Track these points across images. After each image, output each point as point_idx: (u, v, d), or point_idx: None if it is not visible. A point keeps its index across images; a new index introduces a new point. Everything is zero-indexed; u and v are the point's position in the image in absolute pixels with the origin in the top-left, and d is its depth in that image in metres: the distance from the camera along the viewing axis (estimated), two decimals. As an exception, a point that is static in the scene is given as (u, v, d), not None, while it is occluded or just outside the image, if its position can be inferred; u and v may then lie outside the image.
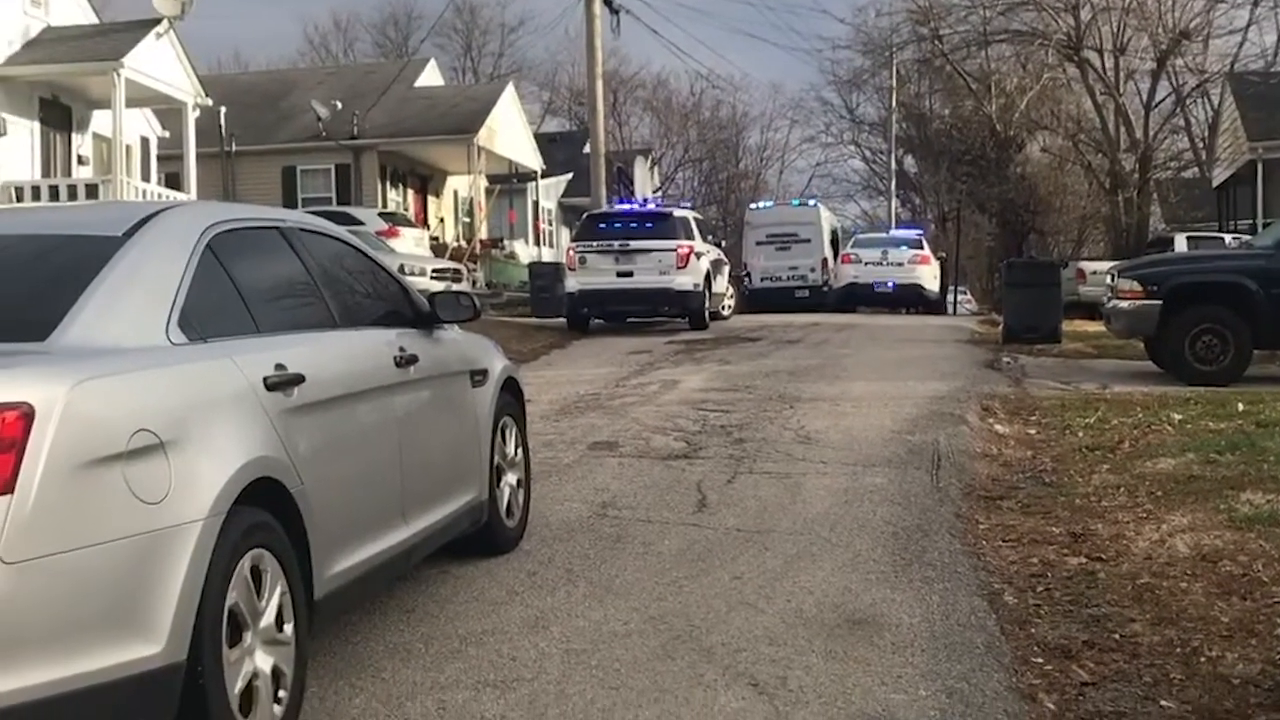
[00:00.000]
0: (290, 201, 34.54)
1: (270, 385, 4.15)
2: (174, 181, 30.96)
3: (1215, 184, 36.16)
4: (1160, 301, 13.83)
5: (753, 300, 31.43)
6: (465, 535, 6.19)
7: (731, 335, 20.58)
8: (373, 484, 4.86)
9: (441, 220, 37.88)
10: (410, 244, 29.98)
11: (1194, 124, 43.31)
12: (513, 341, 19.69)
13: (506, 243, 38.93)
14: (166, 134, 26.13)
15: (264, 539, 3.95)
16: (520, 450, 6.81)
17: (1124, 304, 14.21)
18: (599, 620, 5.50)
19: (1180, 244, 26.89)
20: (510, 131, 37.66)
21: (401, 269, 24.63)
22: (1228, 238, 26.63)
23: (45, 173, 20.97)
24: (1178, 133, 40.24)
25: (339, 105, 35.24)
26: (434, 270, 25.39)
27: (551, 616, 5.56)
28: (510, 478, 6.64)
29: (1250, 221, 29.98)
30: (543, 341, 19.93)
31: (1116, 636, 5.49)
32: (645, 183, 28.34)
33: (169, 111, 25.34)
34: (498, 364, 6.48)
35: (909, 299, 30.24)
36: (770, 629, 5.39)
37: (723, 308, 24.30)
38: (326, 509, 4.35)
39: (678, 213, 22.53)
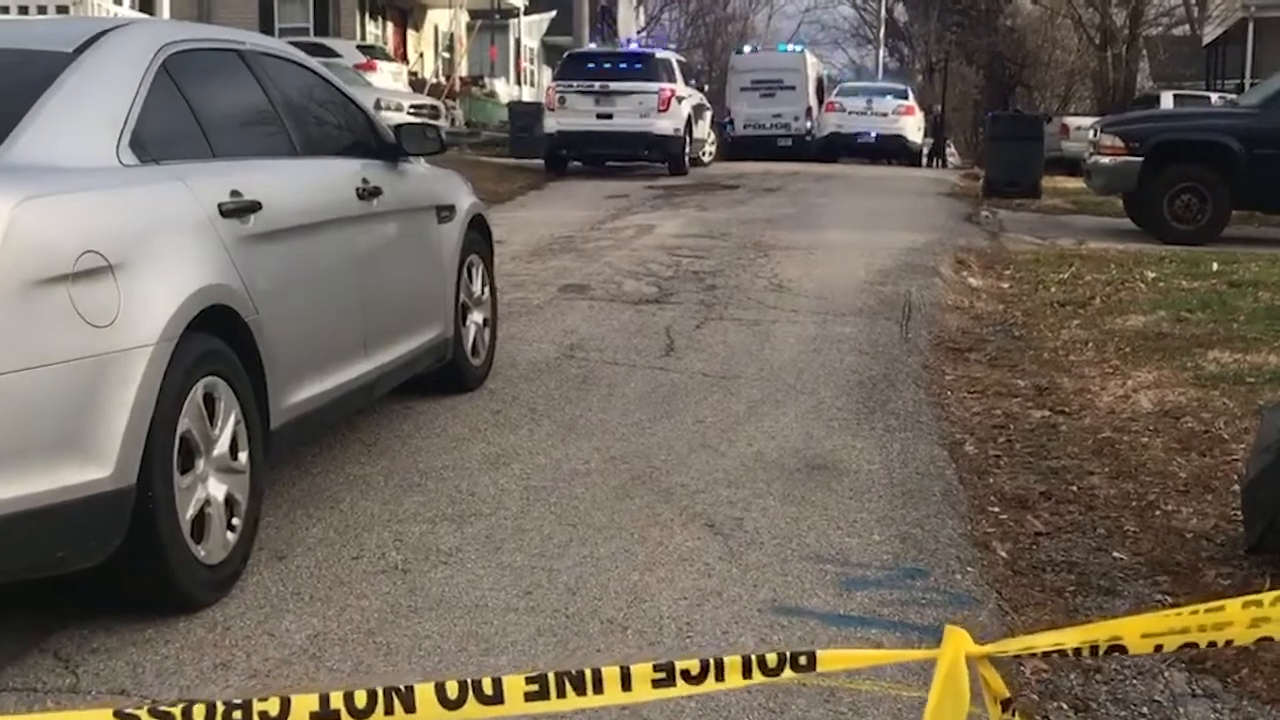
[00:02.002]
0: (267, 31, 33.73)
1: (225, 212, 4.06)
2: (149, 7, 30.22)
3: (1205, 42, 35.72)
4: (1142, 158, 13.71)
5: (735, 147, 31.05)
6: (430, 372, 6.16)
7: (711, 182, 20.40)
8: (333, 316, 4.80)
9: (421, 55, 37.18)
10: (388, 79, 29.47)
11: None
12: (488, 181, 19.45)
13: (487, 81, 38.27)
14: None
15: (217, 367, 3.90)
16: (487, 289, 6.74)
17: (1105, 160, 14.09)
18: (560, 459, 5.51)
19: (1167, 102, 26.64)
20: (494, -37, 36.81)
21: (378, 104, 24.25)
22: (1214, 97, 26.36)
23: (14, -7, 20.44)
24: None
25: (325, -68, 34.27)
26: (411, 106, 25.02)
27: (513, 454, 5.56)
28: (476, 316, 6.58)
29: (1239, 81, 29.64)
30: (519, 182, 19.72)
31: (1074, 489, 5.54)
32: (630, 23, 27.75)
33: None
34: (465, 201, 6.37)
35: (891, 150, 29.93)
36: (730, 472, 5.40)
37: (703, 153, 24.04)
38: (284, 339, 4.30)
39: (660, 55, 22.14)
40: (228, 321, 3.97)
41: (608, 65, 21.18)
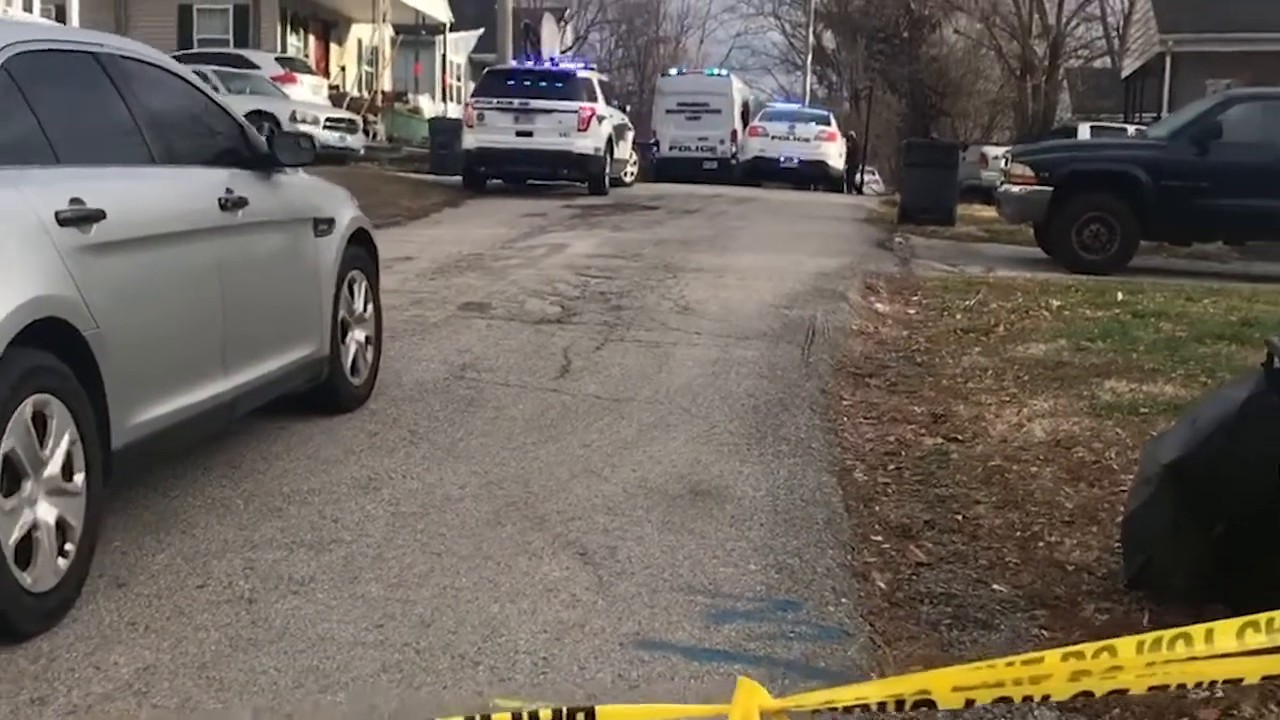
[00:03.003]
0: (185, 43, 33.28)
1: (63, 220, 3.84)
2: (63, 16, 29.68)
3: (1124, 75, 36.20)
4: (1051, 188, 13.77)
5: (660, 169, 31.02)
6: (305, 391, 5.96)
7: (631, 202, 20.30)
8: (187, 331, 4.58)
9: (343, 69, 36.81)
10: (308, 91, 29.11)
11: (1110, 13, 43.27)
12: (403, 197, 19.27)
13: (411, 96, 37.99)
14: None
15: (49, 383, 3.69)
16: (370, 305, 6.55)
17: (1015, 189, 14.14)
18: (434, 483, 5.33)
19: (1084, 132, 26.90)
20: (419, -21, 36.52)
21: (293, 117, 24.00)
22: (1130, 128, 26.70)
23: (-82, -3, 19.95)
24: (1091, 21, 40.18)
25: (241, -59, 33.83)
26: (328, 120, 24.73)
27: (385, 478, 5.37)
28: (358, 334, 6.38)
29: (1155, 114, 30.04)
30: (435, 199, 19.49)
31: (959, 518, 5.44)
32: (554, 42, 27.62)
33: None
34: (346, 214, 6.17)
35: (813, 176, 30.02)
36: (610, 498, 5.25)
37: (625, 174, 23.92)
38: (128, 355, 4.09)
39: (582, 74, 21.99)
40: (62, 336, 3.76)
41: (528, 83, 21.00)
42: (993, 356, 8.82)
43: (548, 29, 28.97)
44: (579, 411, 6.65)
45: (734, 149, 31.55)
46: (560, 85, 20.96)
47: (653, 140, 33.50)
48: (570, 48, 40.94)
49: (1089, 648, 1.73)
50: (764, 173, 29.70)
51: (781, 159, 29.67)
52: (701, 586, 4.37)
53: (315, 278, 5.80)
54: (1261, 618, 1.76)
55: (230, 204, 4.91)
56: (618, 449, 5.99)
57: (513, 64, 23.77)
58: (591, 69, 23.93)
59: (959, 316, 10.54)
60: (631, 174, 24.52)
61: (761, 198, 23.29)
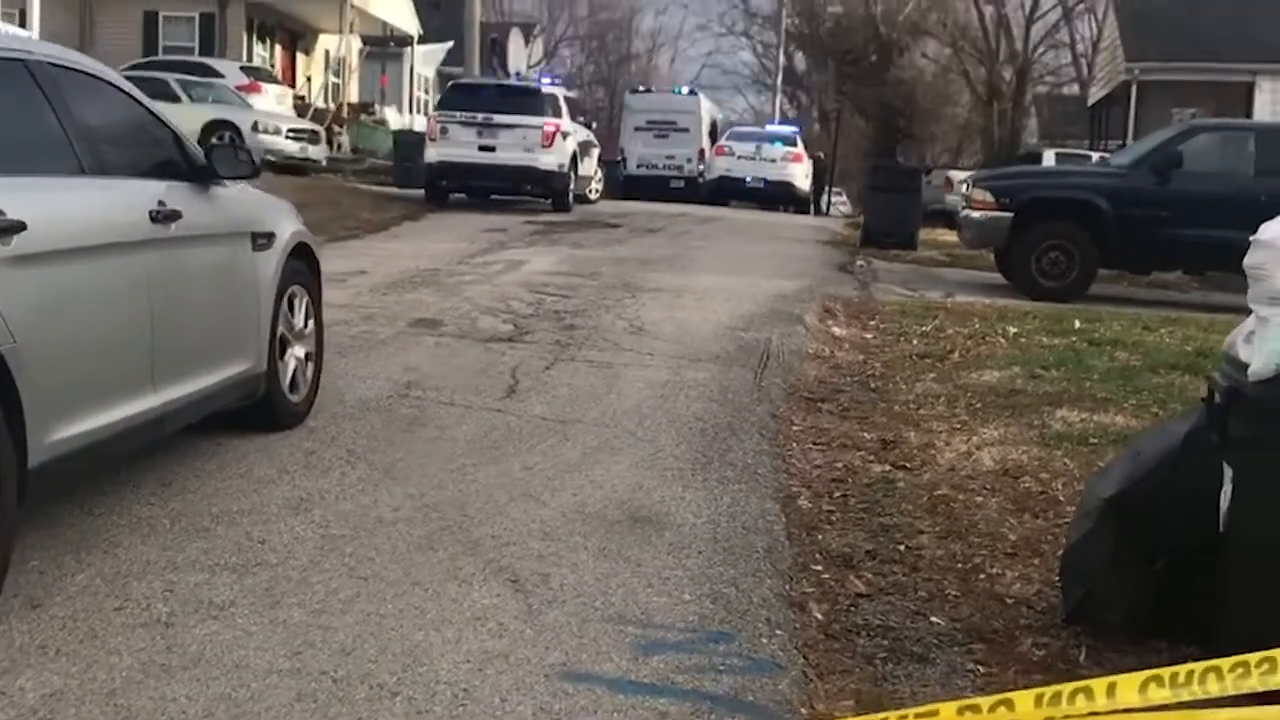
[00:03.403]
0: (151, 50, 33.08)
1: (-20, 231, 3.74)
2: (25, 21, 29.41)
3: (1090, 103, 36.44)
4: (1012, 214, 13.79)
5: (628, 186, 31.01)
6: (243, 408, 5.85)
7: (594, 219, 20.24)
8: (113, 346, 4.47)
9: (309, 80, 36.65)
10: (272, 101, 28.93)
11: (1079, 40, 43.54)
12: (363, 210, 19.15)
13: (378, 108, 37.84)
14: (12, -33, 24.72)
15: (-42, 399, 3.58)
16: (311, 322, 6.44)
17: (976, 214, 14.17)
18: (367, 505, 5.22)
19: (1049, 159, 27.09)
20: (388, -9, 36.39)
21: (255, 126, 23.85)
22: (1095, 156, 26.85)
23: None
24: (1059, 48, 40.43)
25: (206, -53, 33.60)
26: (290, 130, 24.59)
27: (317, 499, 5.26)
28: (298, 350, 6.27)
29: (1121, 142, 30.23)
30: (395, 212, 19.37)
31: (901, 548, 5.39)
32: (520, 57, 27.58)
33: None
34: (287, 228, 6.06)
35: (780, 196, 30.04)
36: (547, 523, 5.16)
37: (589, 191, 23.88)
38: (47, 370, 3.97)
39: (547, 89, 21.95)
40: (-25, 350, 3.65)
41: (492, 97, 20.92)
42: (946, 383, 8.78)
43: (514, 44, 28.89)
44: (523, 433, 6.56)
45: (701, 168, 31.57)
46: (524, 100, 20.90)
47: (620, 157, 33.49)
48: (538, 63, 40.89)
49: (985, 701, 1.66)
50: (729, 192, 29.73)
51: (748, 179, 29.69)
52: (633, 616, 4.28)
53: (253, 292, 5.69)
54: (1165, 672, 1.70)
55: (162, 216, 4.80)
56: (559, 472, 5.90)
57: (478, 78, 23.67)
58: (558, 84, 23.89)
59: (915, 342, 10.51)
60: (596, 191, 24.48)
61: (726, 217, 23.29)
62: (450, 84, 23.42)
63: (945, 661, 4.27)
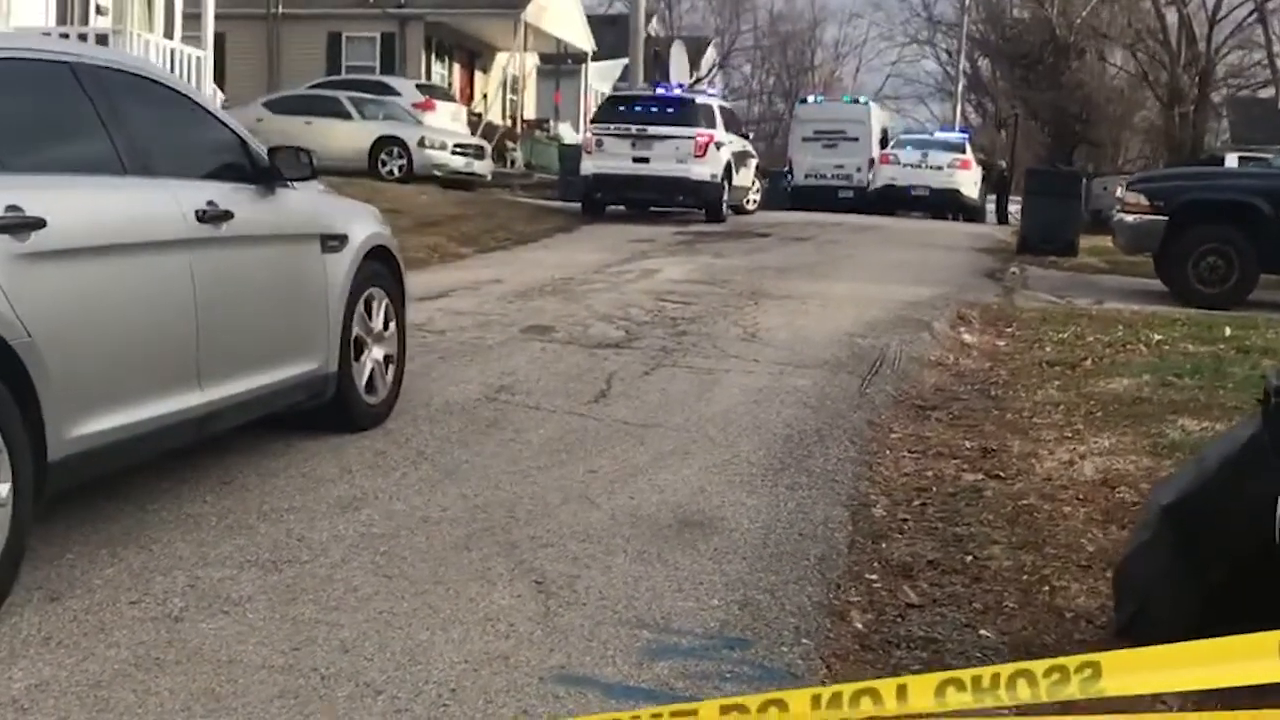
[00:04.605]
0: (334, 69, 34.16)
1: (-3, 228, 3.83)
2: (216, 42, 30.67)
3: (1282, 104, 34.87)
4: (1167, 218, 13.19)
5: (796, 197, 30.75)
6: (317, 409, 5.91)
7: (745, 230, 20.10)
8: (149, 343, 4.54)
9: (485, 97, 37.31)
10: (446, 118, 29.50)
11: (1275, 41, 41.59)
12: (519, 222, 19.37)
13: (551, 124, 38.33)
14: (197, -11, 25.68)
15: (-33, 389, 3.66)
16: (393, 324, 6.47)
17: (1129, 218, 13.59)
18: (418, 505, 5.21)
19: (1231, 162, 25.93)
20: (561, 9, 36.82)
21: (422, 142, 24.35)
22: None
23: (60, 20, 20.66)
24: (1248, 48, 38.66)
25: (388, -30, 34.50)
26: (456, 145, 25.01)
27: (371, 498, 5.27)
28: (376, 352, 6.31)
29: (1312, 145, 28.78)
30: (550, 224, 19.54)
31: (969, 558, 5.14)
32: (683, 71, 27.59)
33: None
34: (361, 231, 6.10)
35: (946, 204, 29.37)
36: (593, 526, 5.07)
37: (746, 201, 23.71)
38: (69, 366, 4.05)
39: (701, 100, 21.87)
40: (-12, 344, 3.73)
41: (646, 109, 20.96)
42: (1069, 391, 8.42)
43: (677, 57, 28.92)
44: (599, 436, 6.49)
45: (871, 177, 31.12)
46: (678, 111, 20.87)
47: (787, 168, 33.23)
48: (704, 76, 40.86)
49: (753, 700, 1.52)
50: (895, 201, 29.23)
51: (912, 188, 29.14)
52: (652, 620, 4.16)
53: (322, 294, 5.74)
54: (967, 674, 1.53)
55: (209, 216, 4.86)
56: (622, 476, 5.81)
57: (633, 90, 23.74)
58: (712, 96, 23.80)
59: (1048, 349, 10.13)
60: (754, 201, 24.29)
61: (885, 226, 22.88)
62: (606, 97, 23.51)
63: (980, 676, 4.03)
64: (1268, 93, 41.27)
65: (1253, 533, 3.90)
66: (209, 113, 5.33)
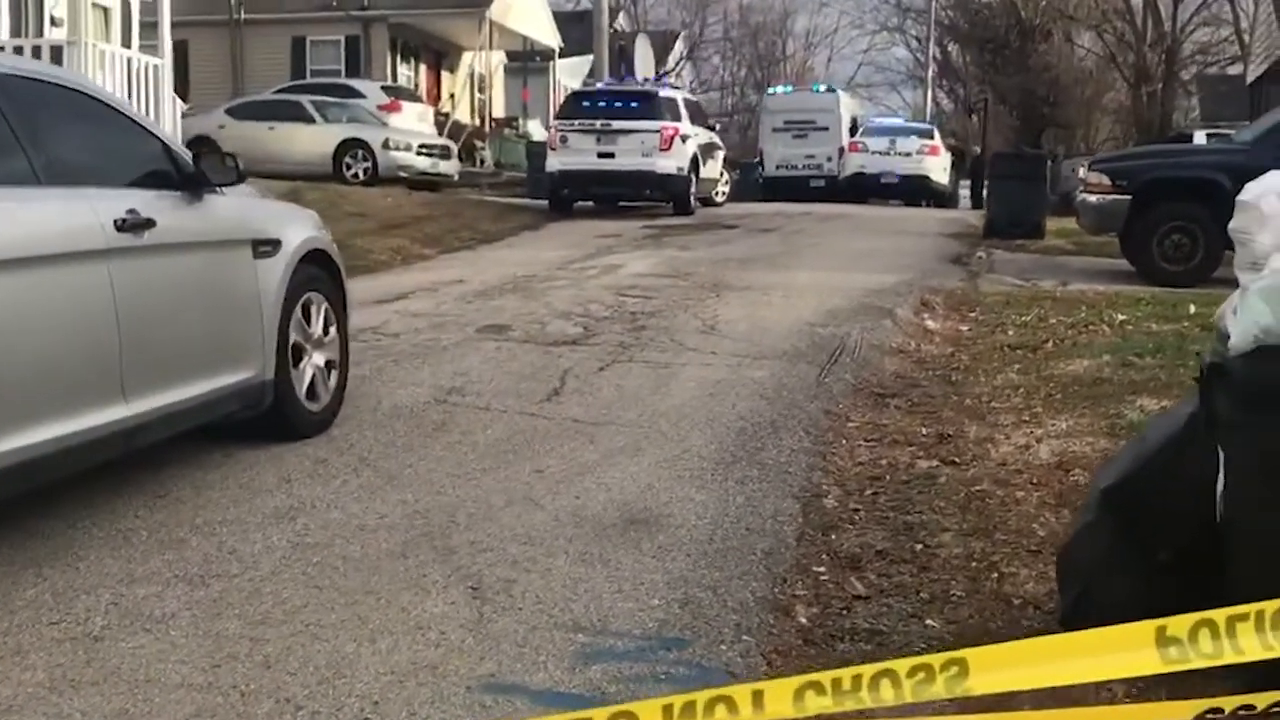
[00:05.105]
0: (299, 73, 33.99)
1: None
2: (178, 50, 30.51)
3: (1249, 81, 34.82)
4: (1130, 196, 13.14)
5: (767, 188, 30.67)
6: (256, 418, 5.80)
7: (713, 222, 20.00)
8: (65, 357, 4.42)
9: (452, 97, 37.14)
10: (413, 119, 29.34)
11: (1244, 17, 41.62)
12: (484, 221, 19.25)
13: (520, 122, 38.18)
14: (151, -2, 25.47)
15: None
16: (334, 329, 6.37)
17: (1092, 199, 13.54)
18: (356, 513, 5.11)
19: (1199, 140, 25.90)
20: (526, 6, 36.66)
21: (386, 144, 24.21)
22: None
23: (15, 33, 20.47)
24: (1211, 25, 38.67)
25: (350, -27, 34.28)
26: (420, 146, 24.87)
27: (308, 508, 5.16)
28: (317, 358, 6.20)
29: None
30: (516, 222, 19.44)
31: (918, 547, 5.07)
32: (648, 64, 27.50)
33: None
34: (295, 235, 5.98)
35: (916, 190, 29.33)
36: (535, 528, 4.97)
37: (715, 193, 23.61)
38: (-21, 382, 3.94)
39: (665, 93, 21.76)
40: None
41: (610, 104, 20.85)
42: (1030, 374, 8.36)
43: (642, 51, 28.83)
44: (549, 435, 6.39)
45: (841, 166, 31.07)
46: (642, 105, 20.77)
47: (757, 159, 33.16)
48: (672, 69, 40.75)
49: (600, 712, 1.43)
50: (865, 189, 29.17)
51: (881, 175, 29.08)
52: (588, 623, 4.07)
53: (255, 300, 5.63)
54: (826, 676, 1.44)
55: (129, 225, 4.75)
56: (570, 475, 5.71)
57: (596, 86, 23.62)
58: (677, 89, 23.70)
59: (1011, 333, 10.07)
60: (723, 193, 24.20)
61: (853, 214, 22.81)
62: (569, 93, 23.40)
63: (923, 668, 3.96)
64: (1237, 69, 41.32)
65: (1194, 514, 3.83)
66: (132, 121, 5.22)
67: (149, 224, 4.85)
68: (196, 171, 5.34)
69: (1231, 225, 3.76)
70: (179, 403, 5.06)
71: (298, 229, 6.07)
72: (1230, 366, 3.49)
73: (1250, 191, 3.71)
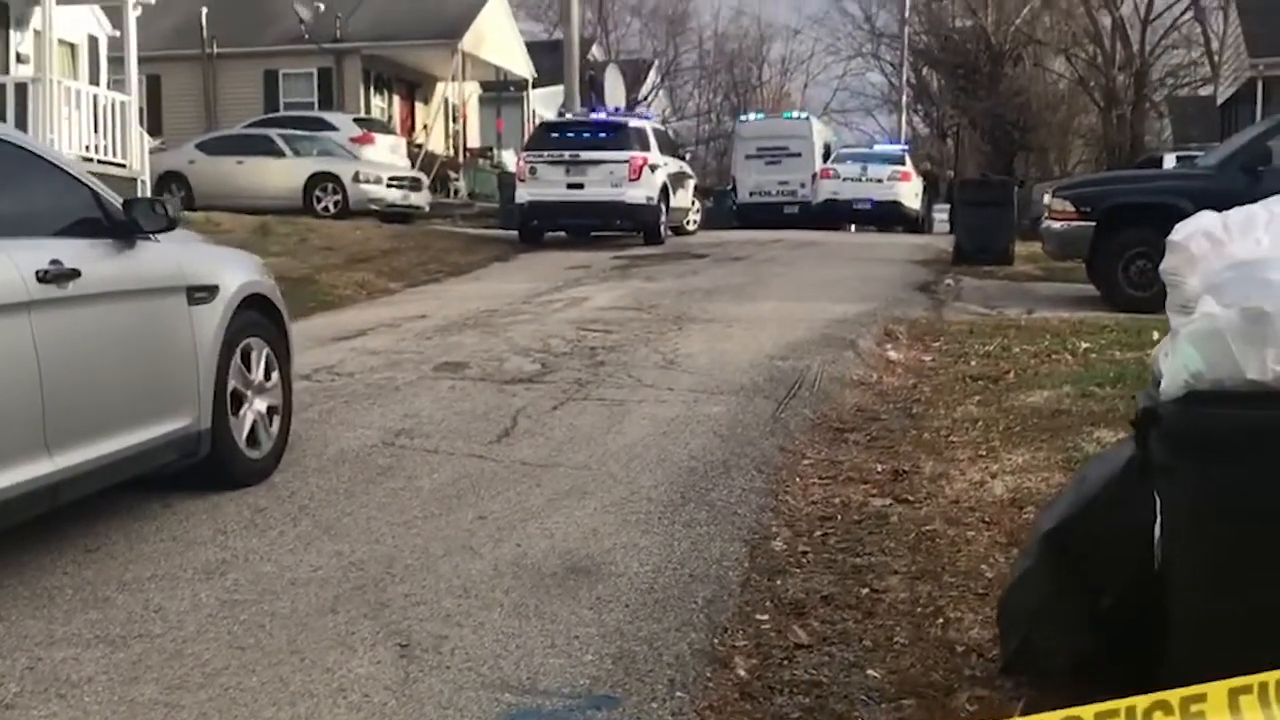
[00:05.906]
0: (272, 106, 33.94)
1: None
2: (151, 84, 30.41)
3: (1219, 102, 34.99)
4: (1094, 223, 13.12)
5: (741, 216, 30.64)
6: (193, 468, 5.69)
7: (683, 251, 19.93)
8: (-18, 413, 4.32)
9: (426, 128, 37.08)
10: (385, 151, 29.29)
11: (1214, 39, 41.84)
12: (453, 254, 19.17)
13: (495, 152, 38.13)
14: (117, 33, 25.36)
15: None
16: (275, 374, 6.26)
17: (1056, 225, 13.52)
18: (288, 566, 4.99)
19: (1170, 162, 25.99)
20: (499, 38, 36.70)
21: (356, 177, 24.14)
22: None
23: (-17, 71, 20.41)
24: (1183, 47, 38.88)
25: (321, 7, 34.20)
26: (390, 179, 24.81)
27: (240, 561, 5.04)
28: (259, 404, 6.09)
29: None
30: (485, 254, 19.35)
31: (865, 591, 4.98)
32: (618, 94, 27.48)
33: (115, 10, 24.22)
34: (233, 280, 5.88)
35: (888, 216, 29.33)
36: (473, 579, 4.87)
37: (687, 222, 23.57)
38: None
39: (634, 123, 21.73)
40: None
41: (579, 134, 20.81)
42: (990, 406, 8.29)
43: (612, 80, 28.81)
44: (495, 479, 6.29)
45: (814, 192, 31.05)
46: (611, 136, 20.73)
47: (730, 186, 33.14)
48: (643, 98, 40.74)
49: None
50: (838, 215, 29.16)
51: (854, 201, 29.08)
52: (517, 681, 3.97)
53: (190, 348, 5.52)
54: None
55: (52, 276, 4.64)
56: (514, 521, 5.61)
57: (565, 117, 23.58)
58: (647, 118, 23.67)
59: (973, 363, 10.00)
60: (694, 222, 24.15)
61: (824, 241, 22.76)
62: (538, 124, 23.36)
63: (866, 721, 3.87)
64: (1209, 90, 41.52)
65: (1135, 559, 3.75)
66: (59, 168, 5.11)
67: (73, 274, 4.75)
68: (127, 219, 5.24)
69: (1162, 266, 3.69)
70: (108, 455, 4.94)
71: (236, 273, 5.97)
72: (1163, 411, 3.41)
73: (1180, 232, 3.65)
